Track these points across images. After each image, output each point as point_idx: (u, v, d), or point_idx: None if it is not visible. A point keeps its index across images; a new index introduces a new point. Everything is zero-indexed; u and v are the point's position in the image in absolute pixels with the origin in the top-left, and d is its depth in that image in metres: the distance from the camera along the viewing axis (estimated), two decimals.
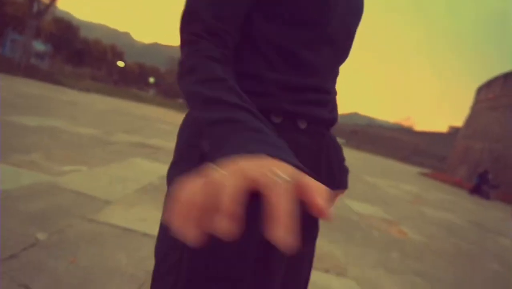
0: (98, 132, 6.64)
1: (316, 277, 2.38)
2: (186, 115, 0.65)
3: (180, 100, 70.58)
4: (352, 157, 26.37)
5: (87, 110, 11.34)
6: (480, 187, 15.62)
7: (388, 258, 3.25)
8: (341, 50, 0.68)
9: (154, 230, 2.47)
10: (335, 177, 0.73)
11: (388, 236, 4.12)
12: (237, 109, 0.42)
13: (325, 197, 0.26)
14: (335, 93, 0.71)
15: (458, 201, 11.09)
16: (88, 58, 73.87)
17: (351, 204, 5.49)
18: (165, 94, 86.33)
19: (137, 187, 3.51)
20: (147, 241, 2.30)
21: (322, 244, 3.11)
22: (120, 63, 79.62)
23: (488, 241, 5.54)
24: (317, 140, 0.65)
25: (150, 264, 1.51)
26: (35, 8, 27.25)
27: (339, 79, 0.73)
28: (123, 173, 3.99)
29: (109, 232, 2.30)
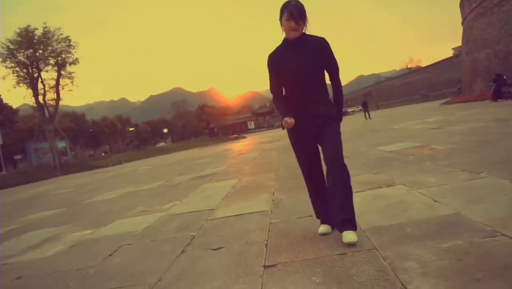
0: (162, 183, 7.88)
1: (373, 192, 3.37)
2: None
3: (204, 136, 72.35)
4: (375, 116, 26.76)
5: (135, 175, 12.73)
6: (500, 90, 15.89)
7: (423, 166, 4.18)
8: (307, 84, 2.29)
9: (250, 209, 3.54)
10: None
11: (421, 155, 5.02)
12: (285, 109, 2.25)
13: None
14: (320, 96, 2.35)
15: (483, 111, 11.60)
16: (103, 137, 77.76)
17: (384, 148, 6.40)
18: (181, 137, 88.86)
19: (222, 198, 4.60)
20: (254, 216, 3.37)
21: (369, 176, 4.12)
22: (131, 129, 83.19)
23: (509, 129, 6.27)
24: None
25: (255, 235, 3.41)
26: (46, 114, 29.77)
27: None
28: (204, 194, 5.11)
29: (230, 220, 3.38)
